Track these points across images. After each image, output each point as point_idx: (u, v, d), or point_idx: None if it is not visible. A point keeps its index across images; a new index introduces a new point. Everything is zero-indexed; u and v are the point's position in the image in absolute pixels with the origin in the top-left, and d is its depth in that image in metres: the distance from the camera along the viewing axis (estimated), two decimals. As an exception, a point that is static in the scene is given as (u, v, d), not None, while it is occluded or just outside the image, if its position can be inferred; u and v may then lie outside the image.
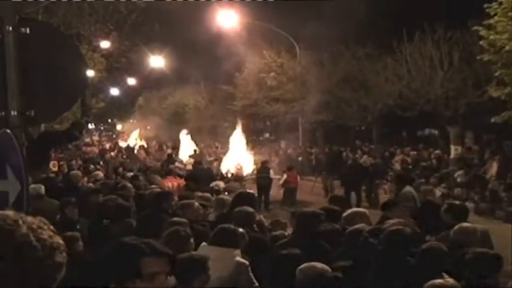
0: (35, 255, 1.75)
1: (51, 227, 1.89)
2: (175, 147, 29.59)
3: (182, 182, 13.74)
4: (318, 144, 33.07)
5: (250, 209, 6.90)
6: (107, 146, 40.45)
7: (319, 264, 4.99)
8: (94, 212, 7.93)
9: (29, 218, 1.84)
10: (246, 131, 24.54)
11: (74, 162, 20.99)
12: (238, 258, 5.46)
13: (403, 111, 25.14)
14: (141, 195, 9.55)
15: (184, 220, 6.57)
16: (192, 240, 5.56)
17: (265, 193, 19.41)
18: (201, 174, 16.43)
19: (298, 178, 20.73)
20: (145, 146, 35.09)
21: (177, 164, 21.76)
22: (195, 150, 26.85)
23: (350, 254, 5.74)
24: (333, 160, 23.59)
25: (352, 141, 33.69)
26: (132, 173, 15.39)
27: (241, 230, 6.00)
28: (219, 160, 23.81)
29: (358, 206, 16.49)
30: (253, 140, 28.20)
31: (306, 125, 32.02)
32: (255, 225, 6.95)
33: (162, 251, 2.52)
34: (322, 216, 6.43)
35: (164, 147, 34.62)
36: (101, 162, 23.15)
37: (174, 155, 24.93)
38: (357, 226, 6.30)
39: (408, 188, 11.11)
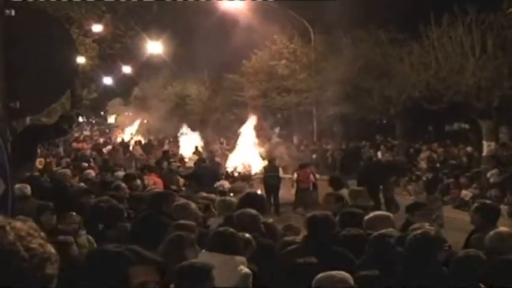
0: (23, 267, 1.70)
1: (43, 234, 1.84)
2: (175, 143, 29.69)
3: (159, 180, 13.82)
4: (335, 139, 33.03)
5: (254, 211, 6.87)
6: (101, 140, 40.62)
7: (338, 274, 4.85)
8: (85, 215, 7.95)
9: (18, 224, 1.78)
10: (255, 125, 24.54)
11: (63, 159, 21.07)
12: (243, 268, 5.41)
13: (429, 103, 25.01)
14: (137, 197, 9.55)
15: (191, 223, 6.57)
16: (197, 246, 5.57)
17: (274, 194, 19.38)
18: (204, 173, 16.49)
19: (312, 177, 20.67)
20: (142, 141, 35.21)
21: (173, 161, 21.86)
22: (196, 147, 26.94)
23: (375, 262, 5.69)
24: (350, 157, 23.57)
25: (372, 136, 33.62)
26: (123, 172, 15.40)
27: (247, 235, 5.99)
28: (224, 157, 23.86)
29: (376, 208, 16.47)
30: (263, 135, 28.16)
31: (322, 119, 31.99)
32: (263, 229, 6.93)
33: (151, 258, 2.49)
34: (335, 219, 6.42)
35: (166, 142, 34.73)
36: (92, 160, 23.16)
37: (171, 152, 24.99)
38: (383, 231, 6.27)
39: None
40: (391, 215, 7.46)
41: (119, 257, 2.41)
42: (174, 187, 14.59)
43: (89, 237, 6.99)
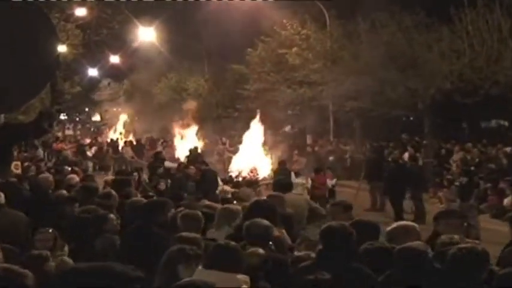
0: None
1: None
2: (170, 144, 29.75)
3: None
4: (354, 139, 33.01)
5: (267, 222, 6.87)
6: (86, 141, 40.78)
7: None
8: (68, 226, 7.97)
9: None
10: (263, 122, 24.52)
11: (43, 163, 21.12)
12: (246, 288, 5.39)
13: (463, 96, 24.98)
14: (128, 206, 9.54)
15: (195, 236, 6.56)
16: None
17: (285, 202, 19.34)
18: (204, 178, 16.53)
19: (329, 183, 20.66)
20: (133, 141, 35.33)
21: (167, 164, 21.88)
22: (195, 148, 26.94)
23: (403, 279, 5.68)
24: (373, 160, 23.53)
25: (397, 135, 33.57)
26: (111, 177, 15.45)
27: (260, 250, 5.99)
28: (227, 160, 23.87)
29: (398, 218, 16.44)
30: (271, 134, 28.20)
31: (339, 115, 31.96)
32: (271, 243, 6.93)
33: (129, 277, 2.48)
34: (353, 231, 6.41)
35: (159, 143, 34.83)
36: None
37: (164, 152, 25.05)
38: (410, 244, 6.25)
39: None
40: (416, 225, 7.40)
41: (92, 279, 2.40)
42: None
43: (65, 258, 6.98)
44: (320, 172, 20.82)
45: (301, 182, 20.67)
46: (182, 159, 25.97)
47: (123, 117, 46.58)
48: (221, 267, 5.43)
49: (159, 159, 21.29)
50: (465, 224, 7.72)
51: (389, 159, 23.23)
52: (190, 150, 25.04)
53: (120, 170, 20.51)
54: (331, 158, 29.84)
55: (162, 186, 15.78)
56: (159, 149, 29.46)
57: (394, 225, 7.34)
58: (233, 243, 5.84)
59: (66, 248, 7.18)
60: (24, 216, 8.23)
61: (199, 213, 7.79)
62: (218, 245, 5.82)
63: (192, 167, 18.36)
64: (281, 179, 14.25)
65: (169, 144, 32.74)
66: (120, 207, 9.46)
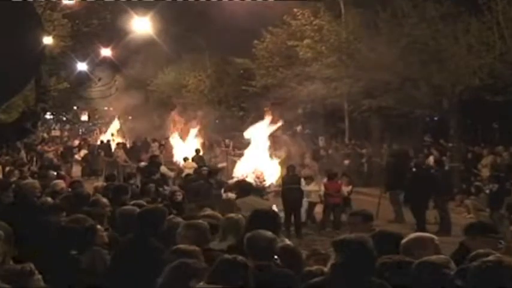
0: None
1: None
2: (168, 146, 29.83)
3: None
4: (372, 141, 32.99)
5: (270, 234, 6.87)
6: (75, 142, 40.92)
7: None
8: (53, 238, 7.96)
9: None
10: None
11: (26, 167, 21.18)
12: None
13: (493, 94, 24.96)
14: (121, 215, 9.54)
15: (194, 248, 6.57)
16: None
17: (295, 211, 19.36)
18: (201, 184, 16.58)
19: (344, 190, 20.63)
20: (127, 144, 35.42)
21: (163, 169, 21.92)
22: (197, 150, 27.01)
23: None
24: (393, 165, 23.49)
25: (420, 137, 33.55)
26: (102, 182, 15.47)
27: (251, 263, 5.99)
28: (231, 164, 23.90)
29: (421, 229, 16.41)
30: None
31: (355, 115, 31.97)
32: (277, 257, 6.93)
33: None
34: (372, 243, 6.39)
35: (156, 145, 34.88)
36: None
37: (162, 156, 25.13)
38: (429, 258, 6.24)
39: None
40: (434, 237, 7.36)
41: None
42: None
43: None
44: (334, 178, 20.80)
45: (314, 189, 20.68)
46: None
47: (116, 117, 46.63)
48: (226, 283, 5.45)
49: (155, 163, 21.31)
50: (502, 243, 7.57)
51: (411, 164, 23.18)
52: (194, 154, 25.25)
53: (110, 174, 20.47)
54: (346, 162, 29.84)
55: (179, 196, 14.72)
56: (157, 152, 29.58)
57: (411, 236, 7.30)
58: (241, 257, 5.84)
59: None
60: (6, 226, 8.23)
61: (204, 223, 7.81)
62: (225, 259, 5.82)
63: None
64: (241, 182, 14.37)
65: (166, 146, 32.83)
66: (112, 217, 9.48)
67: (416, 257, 6.36)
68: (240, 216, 8.58)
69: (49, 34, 22.24)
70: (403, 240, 7.12)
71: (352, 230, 7.95)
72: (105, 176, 21.68)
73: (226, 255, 5.97)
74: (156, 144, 35.99)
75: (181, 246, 6.67)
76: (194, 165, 23.58)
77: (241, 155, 22.77)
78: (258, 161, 20.85)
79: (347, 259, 6.19)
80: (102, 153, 34.00)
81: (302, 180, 20.23)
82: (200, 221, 8.03)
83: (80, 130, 58.08)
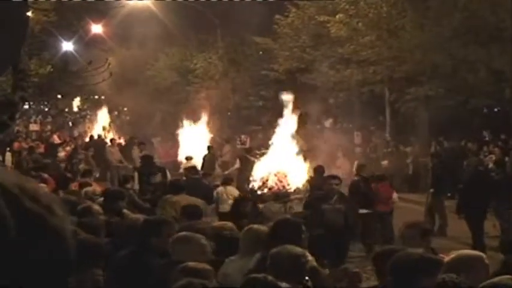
0: None
1: None
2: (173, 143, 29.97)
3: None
4: (419, 137, 32.93)
5: (298, 250, 6.90)
6: (55, 138, 41.09)
7: None
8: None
9: None
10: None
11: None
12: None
13: None
14: (119, 226, 9.60)
15: (205, 266, 6.65)
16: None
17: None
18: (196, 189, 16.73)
19: (396, 196, 20.50)
20: (122, 141, 35.60)
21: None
22: (209, 147, 27.16)
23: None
24: (445, 165, 23.45)
25: (477, 132, 33.46)
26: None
27: (285, 285, 6.01)
28: (248, 164, 23.98)
29: (478, 244, 16.43)
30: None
31: (398, 105, 31.95)
32: (307, 279, 6.95)
33: None
34: (426, 264, 6.40)
35: (154, 141, 35.08)
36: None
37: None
38: (493, 281, 6.25)
39: None
40: (483, 255, 7.38)
41: None
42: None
43: None
44: (385, 180, 20.61)
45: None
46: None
47: (108, 107, 46.84)
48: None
49: (150, 163, 21.42)
50: None
51: (466, 164, 23.13)
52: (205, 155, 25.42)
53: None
54: (385, 162, 29.70)
55: None
56: (159, 149, 29.79)
57: (455, 254, 7.31)
58: (271, 277, 5.87)
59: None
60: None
61: (197, 236, 7.83)
62: (255, 278, 5.85)
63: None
64: (173, 181, 14.52)
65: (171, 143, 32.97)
66: (107, 228, 9.54)
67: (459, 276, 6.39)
68: (262, 228, 8.60)
69: (29, 9, 22.32)
70: (447, 258, 7.13)
71: (409, 245, 7.95)
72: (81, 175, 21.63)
73: (255, 275, 6.00)
74: (158, 139, 36.18)
75: (190, 264, 6.70)
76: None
77: (261, 155, 22.73)
78: (280, 161, 20.88)
79: (395, 281, 6.18)
80: (92, 151, 34.03)
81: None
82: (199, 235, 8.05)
83: (66, 123, 58.21)
